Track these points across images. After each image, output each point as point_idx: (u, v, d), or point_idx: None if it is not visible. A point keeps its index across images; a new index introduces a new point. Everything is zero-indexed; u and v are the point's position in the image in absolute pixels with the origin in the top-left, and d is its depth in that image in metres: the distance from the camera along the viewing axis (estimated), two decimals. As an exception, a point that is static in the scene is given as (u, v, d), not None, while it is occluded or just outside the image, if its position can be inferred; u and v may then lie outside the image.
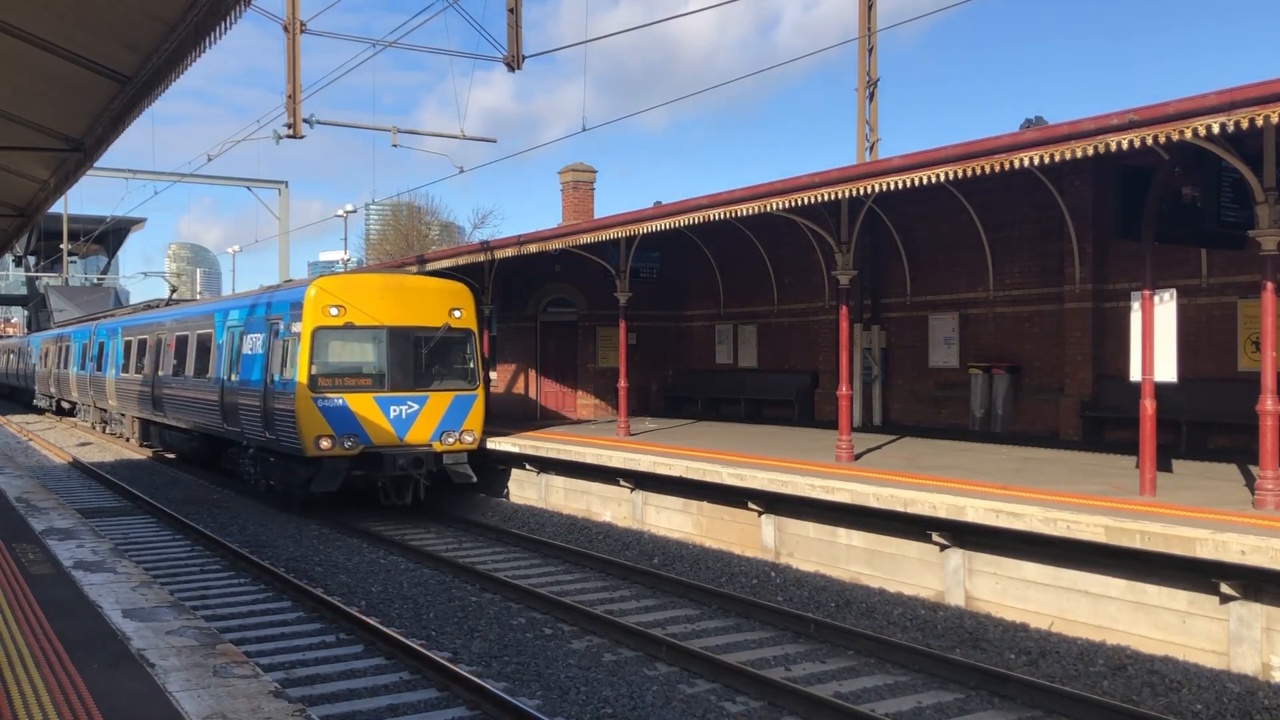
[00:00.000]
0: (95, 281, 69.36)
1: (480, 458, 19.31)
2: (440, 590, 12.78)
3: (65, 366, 39.16)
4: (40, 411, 46.27)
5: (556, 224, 25.94)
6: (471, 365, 18.60)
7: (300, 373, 17.12)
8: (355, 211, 57.38)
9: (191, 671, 6.49)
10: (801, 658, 10.15)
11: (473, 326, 18.64)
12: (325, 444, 17.02)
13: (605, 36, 17.17)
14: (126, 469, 24.97)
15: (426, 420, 17.84)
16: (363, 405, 17.39)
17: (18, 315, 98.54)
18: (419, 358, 18.01)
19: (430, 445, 17.84)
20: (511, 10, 14.32)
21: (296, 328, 17.45)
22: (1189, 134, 9.68)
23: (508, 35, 14.30)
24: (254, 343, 19.18)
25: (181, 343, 24.06)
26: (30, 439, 33.26)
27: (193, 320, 23.95)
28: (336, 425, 17.10)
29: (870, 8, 22.60)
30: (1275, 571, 8.97)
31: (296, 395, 17.10)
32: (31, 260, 67.88)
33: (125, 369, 29.16)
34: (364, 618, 11.00)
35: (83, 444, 31.77)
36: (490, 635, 10.82)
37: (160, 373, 25.39)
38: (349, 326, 17.51)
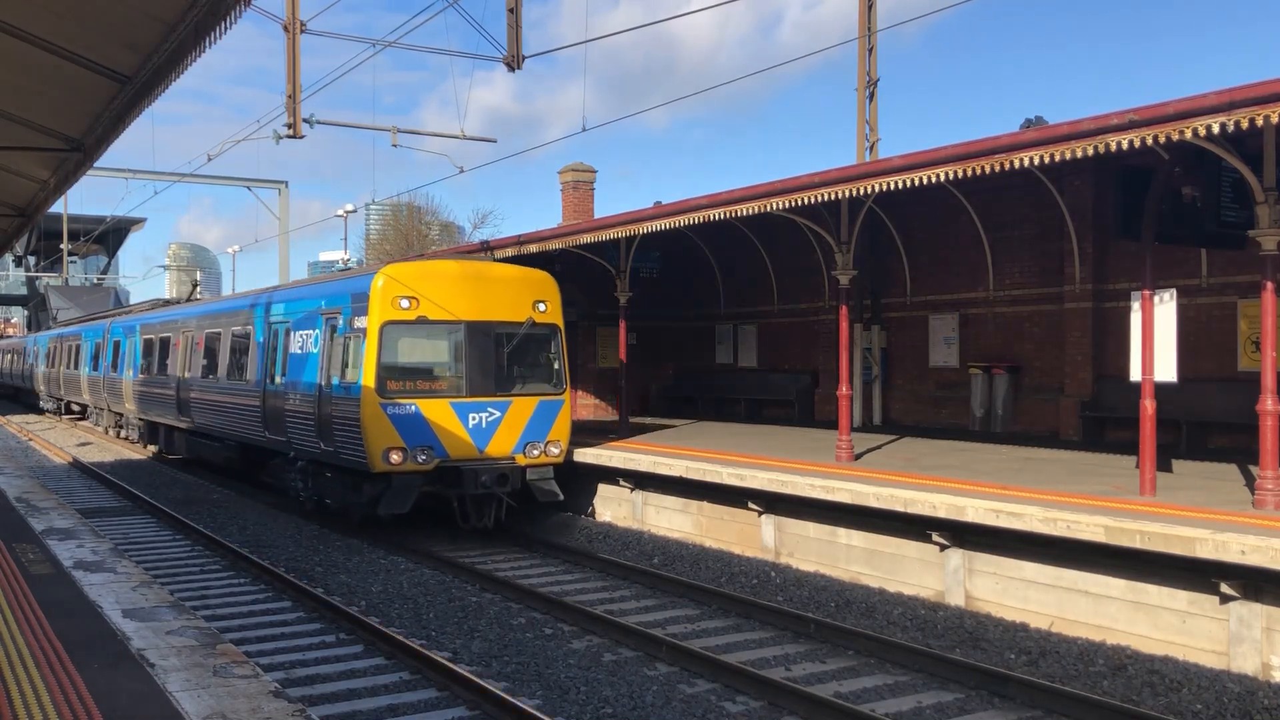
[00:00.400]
0: (95, 281, 69.42)
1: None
2: (440, 590, 12.77)
3: (76, 367, 36.89)
4: (41, 412, 46.17)
5: (557, 224, 25.95)
6: (557, 366, 16.47)
7: (366, 375, 14.95)
8: (355, 211, 57.37)
9: (191, 671, 6.49)
10: (801, 657, 10.15)
11: (559, 321, 16.50)
12: (395, 458, 14.80)
13: (605, 36, 17.16)
14: (126, 469, 24.96)
15: (509, 429, 15.70)
16: (438, 412, 15.21)
17: (18, 315, 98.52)
18: (500, 358, 15.92)
19: (513, 458, 15.69)
20: (511, 10, 14.31)
21: (360, 322, 15.27)
22: (1189, 134, 9.69)
23: (508, 35, 14.30)
24: (304, 340, 17.10)
25: (212, 341, 21.88)
26: (30, 439, 33.26)
27: (226, 316, 21.59)
28: (408, 436, 14.95)
29: (870, 8, 22.60)
30: (1275, 571, 8.97)
31: (362, 401, 14.93)
32: (31, 260, 67.94)
33: (145, 370, 26.98)
34: (364, 618, 11.00)
35: (83, 444, 31.76)
36: (490, 635, 10.82)
37: (186, 374, 23.33)
38: (422, 321, 15.30)
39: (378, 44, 17.52)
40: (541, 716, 8.03)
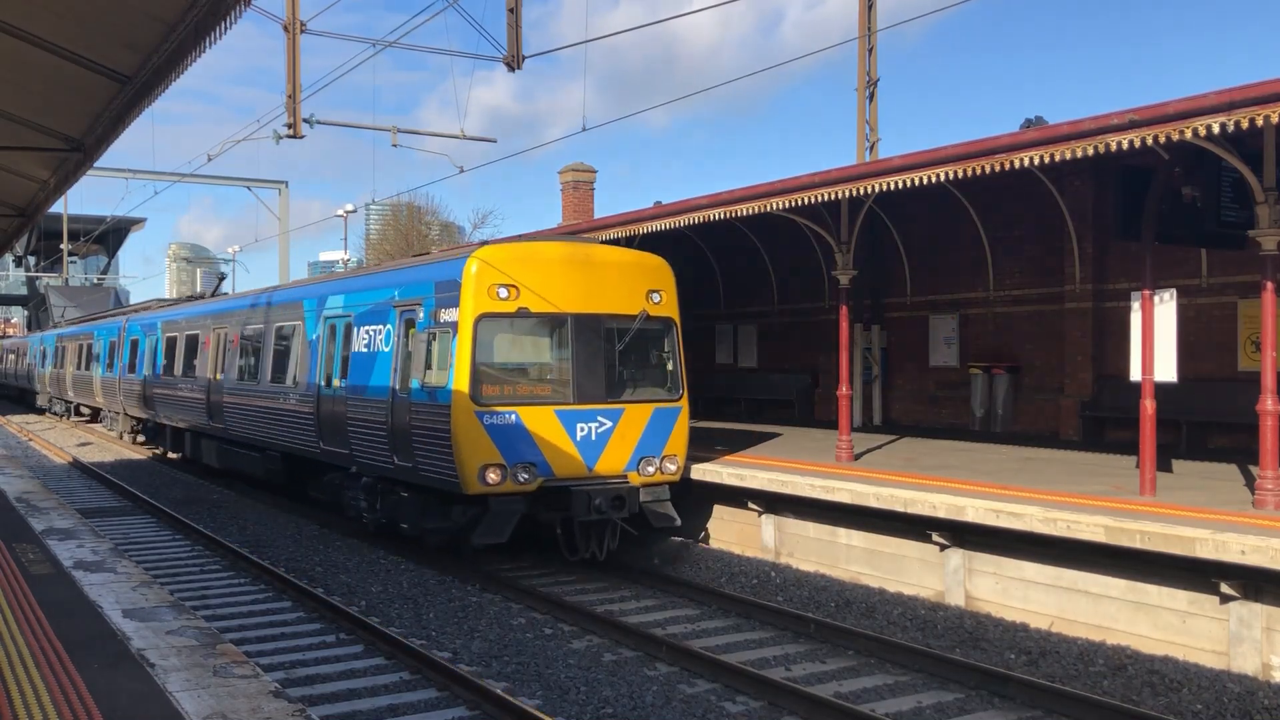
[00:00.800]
0: (95, 281, 69.45)
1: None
2: (440, 590, 12.77)
3: (87, 368, 34.50)
4: (42, 412, 46.09)
5: (557, 224, 25.94)
6: (673, 367, 14.29)
7: (458, 378, 12.74)
8: (355, 211, 57.40)
9: (191, 671, 6.49)
10: (802, 658, 10.15)
11: (675, 315, 14.34)
12: (493, 476, 12.63)
13: (606, 36, 17.15)
14: (126, 469, 24.96)
15: (621, 442, 13.51)
16: (541, 422, 13.04)
17: (18, 315, 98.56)
18: (611, 357, 13.70)
19: (625, 476, 13.52)
20: (511, 10, 14.32)
21: (450, 315, 13.17)
22: (1189, 134, 9.69)
23: (508, 35, 14.31)
24: (372, 338, 14.96)
25: (251, 339, 19.81)
26: (30, 439, 33.27)
27: (268, 311, 19.37)
28: (507, 450, 12.76)
29: (870, 8, 22.61)
30: (1275, 571, 8.97)
31: (453, 409, 12.71)
32: (31, 260, 68.00)
33: (168, 371, 24.78)
34: (364, 618, 11.00)
35: (83, 444, 31.76)
36: (490, 635, 10.82)
37: (219, 376, 21.14)
38: (523, 314, 13.14)
39: (378, 44, 17.55)
40: (541, 716, 8.04)
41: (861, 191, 12.95)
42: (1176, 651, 9.95)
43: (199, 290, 34.43)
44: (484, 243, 14.57)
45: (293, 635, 10.73)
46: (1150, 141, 10.00)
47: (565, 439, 13.13)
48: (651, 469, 13.74)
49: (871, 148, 22.85)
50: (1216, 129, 9.45)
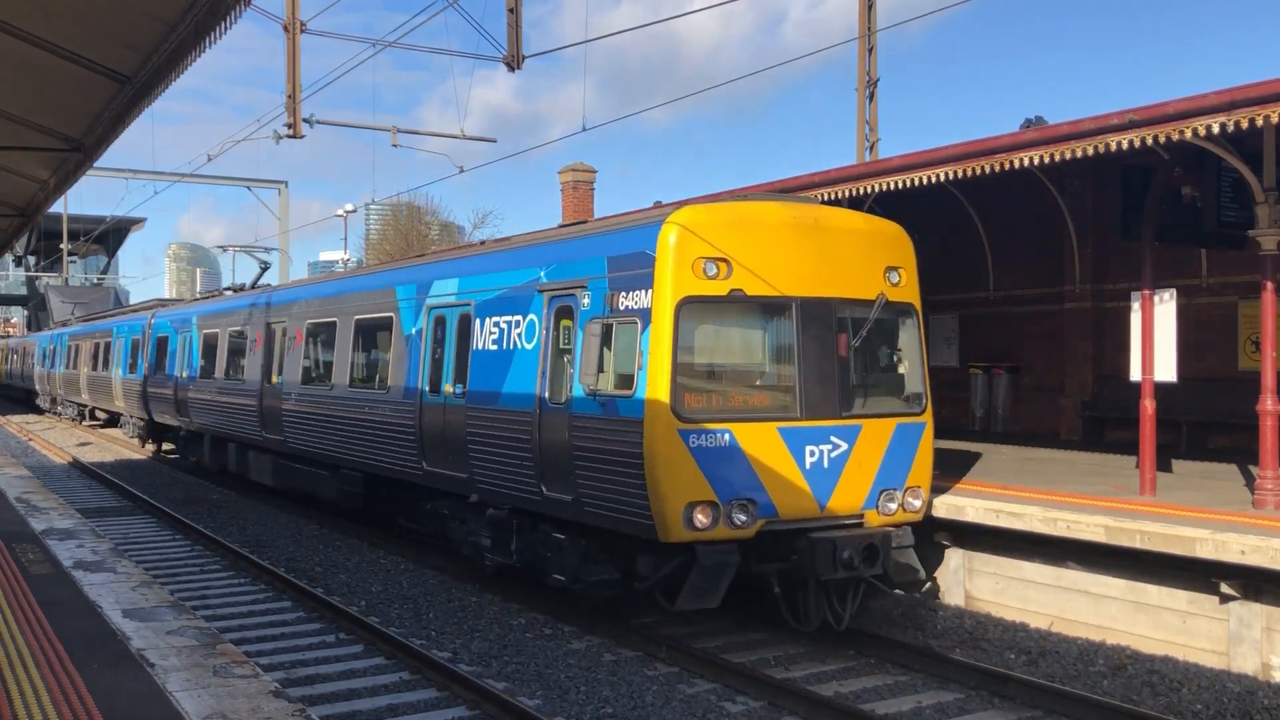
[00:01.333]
0: (95, 281, 69.47)
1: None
2: (440, 590, 12.77)
3: (105, 369, 31.38)
4: (41, 412, 46.03)
5: (557, 223, 25.89)
6: (915, 369, 11.22)
7: (653, 383, 9.58)
8: (355, 211, 57.43)
9: (191, 671, 6.50)
10: (801, 658, 10.14)
11: (916, 300, 11.39)
12: (702, 518, 9.48)
13: (606, 36, 17.12)
14: (126, 469, 24.96)
15: (859, 470, 10.29)
16: (762, 444, 9.84)
17: (18, 315, 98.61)
18: (842, 356, 10.59)
19: (861, 516, 10.30)
20: (511, 10, 14.32)
21: (635, 299, 9.96)
22: (1189, 134, 9.69)
23: (508, 35, 14.31)
24: (505, 331, 11.82)
25: (320, 335, 16.85)
26: (30, 439, 33.27)
27: (344, 301, 16.26)
28: (720, 482, 9.61)
29: (870, 8, 22.60)
30: (1275, 571, 8.97)
31: (647, 425, 9.53)
32: (31, 260, 68.04)
33: (207, 372, 21.75)
34: (364, 618, 11.01)
35: (83, 444, 31.77)
36: (490, 635, 10.82)
37: (275, 379, 18.16)
38: (737, 298, 9.95)
39: (378, 44, 17.55)
40: (541, 717, 8.04)
41: (861, 191, 12.96)
42: (1176, 651, 9.96)
43: (230, 284, 29.90)
44: (680, 204, 11.23)
45: (293, 635, 10.73)
46: (1150, 142, 10.00)
47: (792, 466, 9.94)
48: (893, 505, 10.51)
49: (871, 148, 22.85)
50: (1216, 129, 9.46)
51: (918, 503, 10.72)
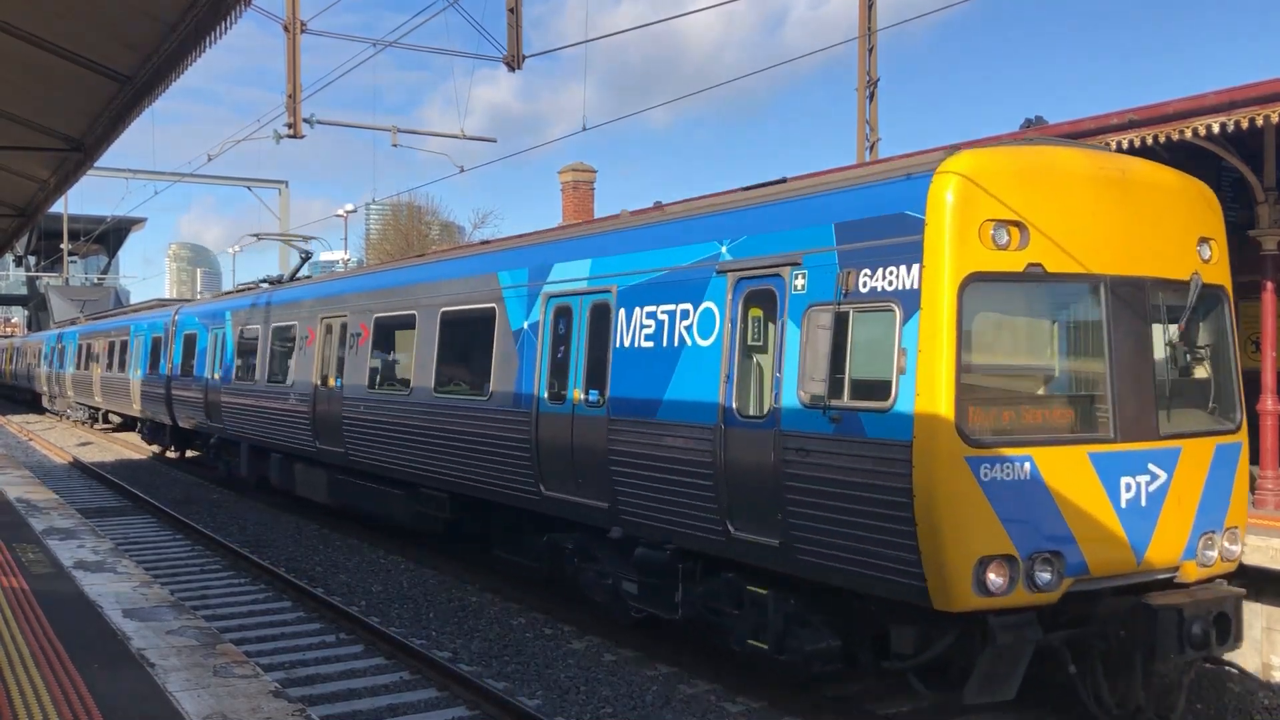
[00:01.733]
0: (95, 281, 69.54)
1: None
2: (440, 590, 12.77)
3: (121, 369, 29.19)
4: (42, 411, 46.00)
5: (557, 223, 25.90)
6: (1228, 369, 8.79)
7: (926, 394, 7.20)
8: (355, 211, 57.39)
9: (192, 671, 6.50)
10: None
11: (1228, 283, 8.76)
12: (997, 578, 7.15)
13: (607, 36, 17.10)
14: (126, 469, 24.97)
15: (1178, 508, 7.96)
16: (1069, 475, 7.47)
17: (18, 315, 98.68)
18: (1153, 355, 8.15)
19: (1177, 569, 7.99)
20: (512, 10, 14.32)
21: (889, 279, 7.55)
22: (1189, 134, 9.70)
23: (508, 35, 14.31)
24: (666, 324, 9.48)
25: (391, 331, 14.64)
26: (30, 439, 33.28)
27: (422, 290, 13.90)
28: (1019, 528, 7.25)
29: (870, 7, 22.60)
30: (1275, 571, 8.97)
31: (919, 448, 7.16)
32: (31, 260, 68.09)
33: (244, 374, 19.43)
34: (364, 618, 11.01)
35: (83, 444, 31.78)
36: (490, 635, 10.82)
37: (332, 381, 15.78)
38: (1036, 275, 7.55)
39: (378, 44, 17.55)
40: (541, 717, 8.05)
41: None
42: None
43: (275, 274, 23.51)
44: (954, 148, 8.46)
45: (293, 635, 10.74)
46: (1150, 141, 10.01)
47: (1105, 505, 7.58)
48: (1212, 553, 8.15)
49: (872, 147, 22.85)
50: (1216, 129, 9.47)
51: (1236, 549, 8.40)
